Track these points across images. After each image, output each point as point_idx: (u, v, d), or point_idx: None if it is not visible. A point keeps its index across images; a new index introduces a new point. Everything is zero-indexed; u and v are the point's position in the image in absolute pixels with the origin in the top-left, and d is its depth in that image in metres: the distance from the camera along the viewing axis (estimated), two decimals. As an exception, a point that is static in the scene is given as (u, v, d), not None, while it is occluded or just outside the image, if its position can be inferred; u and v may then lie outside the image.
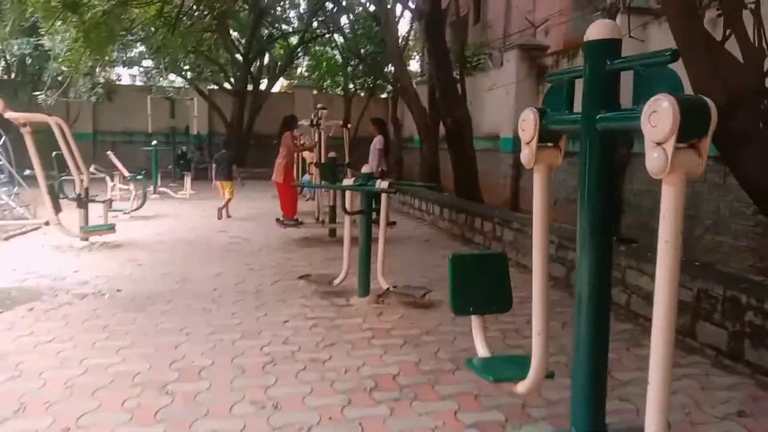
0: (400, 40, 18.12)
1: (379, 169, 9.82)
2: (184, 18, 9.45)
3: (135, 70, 22.20)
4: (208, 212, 13.15)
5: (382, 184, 5.72)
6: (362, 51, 23.75)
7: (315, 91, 26.90)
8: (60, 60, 7.97)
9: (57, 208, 7.89)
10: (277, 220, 9.79)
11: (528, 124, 2.42)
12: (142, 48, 19.79)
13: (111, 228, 8.70)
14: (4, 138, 12.60)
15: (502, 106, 14.31)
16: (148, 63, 21.37)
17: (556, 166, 2.58)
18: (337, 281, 6.17)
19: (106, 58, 8.82)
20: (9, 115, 6.59)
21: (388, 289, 5.80)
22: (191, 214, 12.70)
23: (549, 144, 2.56)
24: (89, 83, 16.32)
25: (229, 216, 12.03)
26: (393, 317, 5.40)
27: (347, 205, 6.03)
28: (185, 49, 15.84)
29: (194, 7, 9.46)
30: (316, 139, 10.14)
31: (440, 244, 9.34)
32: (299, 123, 11.23)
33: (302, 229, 9.66)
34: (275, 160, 9.95)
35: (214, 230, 10.65)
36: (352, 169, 9.84)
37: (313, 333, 4.95)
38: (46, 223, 7.82)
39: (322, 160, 10.20)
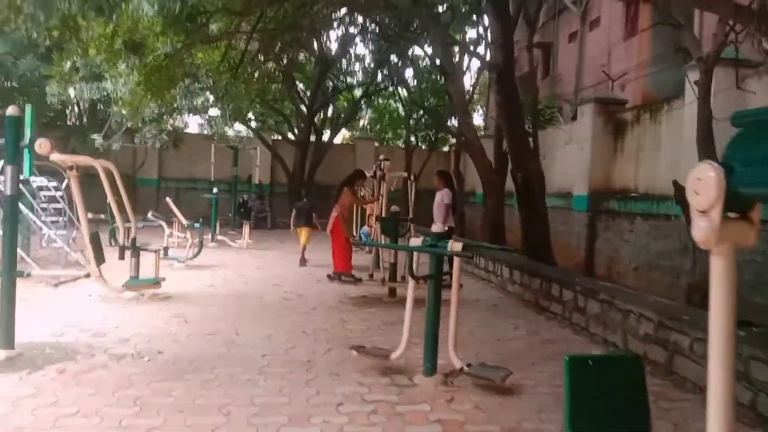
0: (465, 93, 17.64)
1: (446, 226, 9.11)
2: (248, 65, 9.28)
3: (201, 118, 22.60)
4: (263, 262, 12.72)
5: (456, 245, 5.01)
6: (425, 104, 23.48)
7: (376, 143, 26.72)
8: (120, 103, 7.82)
9: (99, 259, 7.51)
10: (329, 276, 9.16)
11: (707, 185, 1.67)
12: (209, 96, 20.10)
13: (156, 283, 8.25)
14: (66, 180, 12.64)
15: (576, 161, 13.46)
16: (214, 112, 21.71)
17: (744, 246, 1.80)
18: (396, 354, 5.40)
19: (169, 103, 8.69)
20: (55, 157, 6.29)
21: (461, 369, 5.00)
22: (247, 265, 12.27)
23: (736, 214, 1.79)
24: (154, 129, 16.51)
25: (305, 262, 11.73)
26: (466, 405, 4.58)
27: (414, 267, 5.34)
28: (249, 96, 15.88)
29: (259, 53, 9.29)
30: (379, 192, 9.57)
31: (511, 312, 8.46)
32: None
33: (359, 287, 8.99)
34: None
35: (268, 283, 10.13)
36: (415, 224, 9.19)
37: (372, 422, 4.19)
38: (87, 275, 7.44)
39: (383, 214, 9.62)
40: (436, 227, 5.35)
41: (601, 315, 6.84)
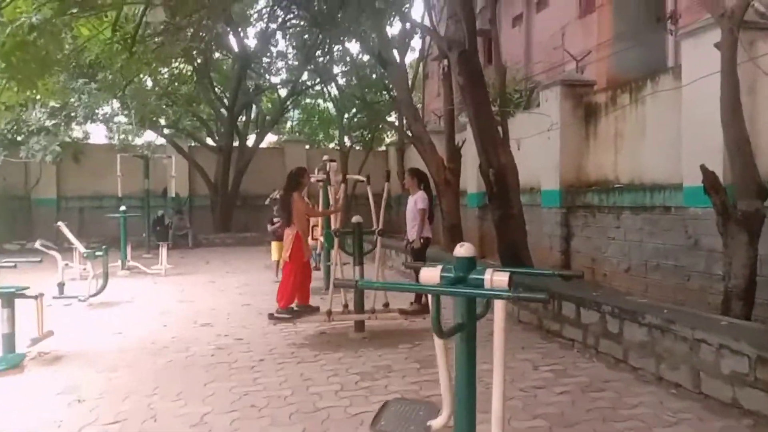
0: (408, 84, 15.94)
1: (422, 237, 7.29)
2: (150, 40, 7.11)
3: (106, 126, 19.77)
4: (187, 293, 10.46)
5: (498, 278, 3.15)
6: (358, 100, 21.67)
7: (307, 146, 24.65)
8: None
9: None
10: (270, 315, 7.05)
11: None
12: (113, 102, 17.44)
13: (15, 366, 5.82)
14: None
15: (542, 152, 11.98)
16: (120, 119, 18.97)
17: None
18: (439, 424, 3.44)
19: (56, 105, 6.43)
20: None
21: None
22: (167, 298, 9.98)
23: None
24: (44, 140, 13.78)
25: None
26: None
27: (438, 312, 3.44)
28: (155, 93, 13.59)
29: (167, 24, 7.14)
30: (336, 199, 7.62)
31: (513, 340, 6.73)
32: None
33: (312, 320, 7.00)
34: (283, 231, 7.31)
35: (195, 322, 7.97)
36: (384, 237, 7.29)
37: None
38: None
39: (334, 225, 7.69)
40: (465, 250, 3.45)
41: (650, 344, 5.20)
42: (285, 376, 5.47)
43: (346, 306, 7.07)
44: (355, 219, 7.00)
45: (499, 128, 9.98)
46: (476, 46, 9.74)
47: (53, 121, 16.58)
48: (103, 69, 10.33)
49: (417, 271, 3.46)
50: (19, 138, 15.86)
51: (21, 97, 5.76)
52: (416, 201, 7.39)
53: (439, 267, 3.39)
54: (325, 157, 9.54)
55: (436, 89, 23.96)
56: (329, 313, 6.84)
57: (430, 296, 3.17)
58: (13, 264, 6.30)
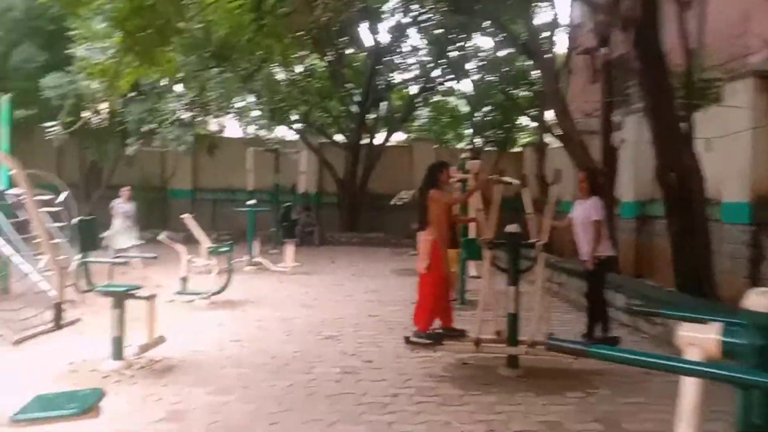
0: (556, 76, 14.34)
1: (600, 255, 5.88)
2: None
3: (239, 120, 19.90)
4: (312, 295, 9.70)
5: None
6: (495, 94, 20.26)
7: (435, 145, 23.56)
8: (89, 72, 5.06)
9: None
10: (407, 339, 5.96)
11: None
12: (249, 96, 17.34)
13: (88, 409, 4.99)
14: (66, 193, 9.91)
15: (724, 156, 9.97)
16: (253, 112, 18.94)
17: None
18: None
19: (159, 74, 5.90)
20: None
21: None
22: (291, 300, 9.26)
23: None
24: (177, 130, 13.78)
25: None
26: None
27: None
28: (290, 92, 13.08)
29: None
30: (486, 202, 6.35)
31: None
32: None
33: (455, 347, 5.82)
34: (420, 235, 6.18)
35: (319, 333, 7.09)
36: (549, 252, 5.94)
37: None
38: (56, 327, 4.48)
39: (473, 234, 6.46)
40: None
41: None
42: (426, 424, 4.34)
43: (498, 333, 5.82)
44: (511, 228, 5.72)
45: (683, 125, 8.27)
46: (656, 22, 8.09)
47: (189, 114, 16.76)
48: (235, 51, 9.90)
49: (647, 314, 2.19)
50: (155, 127, 16.11)
51: (141, 72, 5.13)
52: (589, 209, 5.97)
53: (716, 325, 2.05)
54: (465, 155, 8.35)
55: (581, 86, 21.92)
56: (478, 342, 5.63)
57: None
58: (124, 261, 5.72)
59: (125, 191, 11.41)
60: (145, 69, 5.23)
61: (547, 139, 18.76)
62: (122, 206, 11.21)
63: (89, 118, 14.84)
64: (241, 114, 16.48)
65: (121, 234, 10.81)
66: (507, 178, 6.72)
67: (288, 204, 17.58)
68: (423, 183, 6.21)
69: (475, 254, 8.31)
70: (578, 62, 22.54)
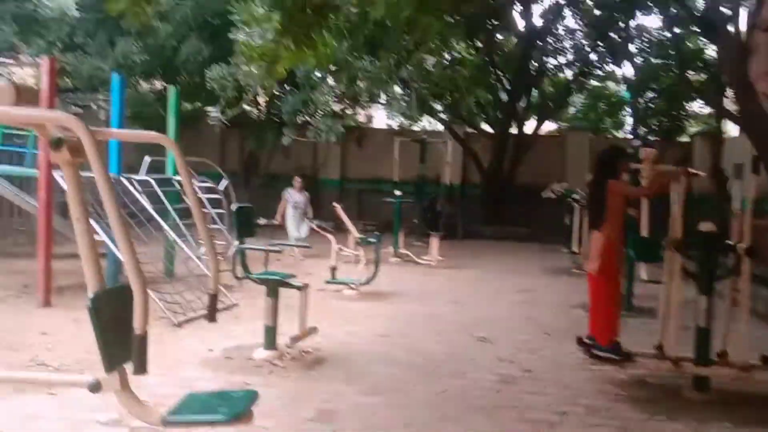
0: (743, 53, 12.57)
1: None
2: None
3: (387, 109, 19.93)
4: (459, 291, 9.26)
5: None
6: (659, 83, 18.47)
7: (591, 134, 22.03)
8: (249, 58, 5.07)
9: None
10: (581, 341, 5.35)
11: None
12: (396, 84, 17.23)
13: (241, 415, 4.83)
14: (225, 181, 10.34)
15: None
16: (401, 102, 18.84)
17: None
18: None
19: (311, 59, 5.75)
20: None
21: None
22: (438, 295, 8.89)
23: None
24: (329, 120, 13.98)
25: None
26: None
27: None
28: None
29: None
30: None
31: None
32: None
33: (649, 365, 5.08)
34: (591, 235, 5.49)
35: (471, 333, 6.64)
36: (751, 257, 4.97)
37: None
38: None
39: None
40: None
41: None
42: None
43: (660, 348, 4.98)
44: (706, 226, 4.86)
45: None
46: None
47: (341, 106, 17.03)
48: (388, 35, 9.67)
49: None
50: (308, 119, 16.54)
51: (298, 58, 4.99)
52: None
53: None
54: (636, 143, 7.43)
55: (764, 68, 19.27)
56: (677, 361, 4.84)
57: None
58: (279, 249, 5.65)
59: (298, 181, 11.60)
60: (302, 53, 5.09)
61: (725, 127, 16.77)
62: (294, 195, 11.38)
63: (248, 109, 15.62)
64: (390, 104, 16.41)
65: (294, 224, 11.03)
66: (693, 170, 5.82)
67: (432, 195, 17.30)
68: (598, 172, 5.54)
69: (647, 255, 7.39)
70: (761, 40, 19.87)
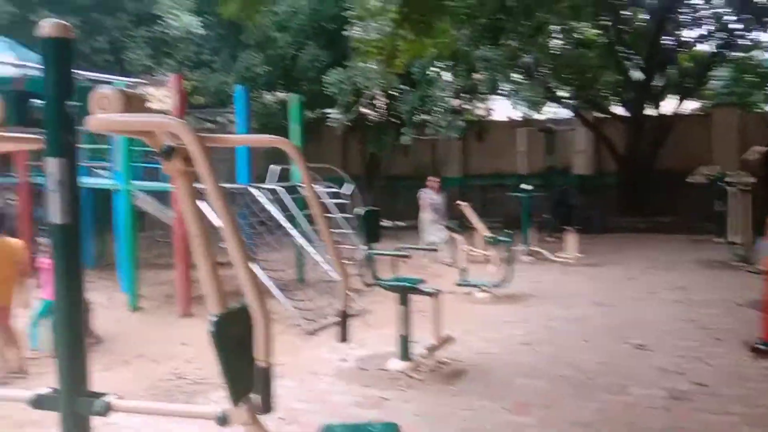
0: None
1: None
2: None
3: (510, 99, 19.13)
4: (602, 291, 8.43)
5: None
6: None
7: (739, 110, 19.78)
8: (365, 52, 4.79)
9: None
10: (755, 348, 4.52)
11: None
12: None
13: None
14: (351, 185, 10.24)
15: None
16: (523, 92, 17.97)
17: None
18: None
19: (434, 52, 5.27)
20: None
21: None
22: (579, 296, 8.14)
23: None
24: (449, 116, 13.51)
25: None
26: None
27: None
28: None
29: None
30: None
31: None
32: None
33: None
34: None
35: (623, 338, 5.92)
36: None
37: None
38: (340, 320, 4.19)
39: None
40: None
41: None
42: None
43: None
44: None
45: None
46: None
47: (458, 100, 16.55)
48: (509, 19, 9.07)
49: None
50: (426, 117, 16.23)
51: (416, 49, 4.64)
52: None
53: None
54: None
55: None
56: None
57: None
58: (407, 254, 5.32)
59: (434, 181, 11.02)
60: (420, 44, 4.73)
61: None
62: (431, 197, 10.79)
63: (366, 112, 15.60)
64: (511, 93, 15.66)
65: (432, 227, 10.43)
66: None
67: (563, 187, 16.31)
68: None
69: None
70: None
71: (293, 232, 7.90)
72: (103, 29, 13.24)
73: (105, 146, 9.14)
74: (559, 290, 8.64)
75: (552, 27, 10.02)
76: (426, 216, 10.55)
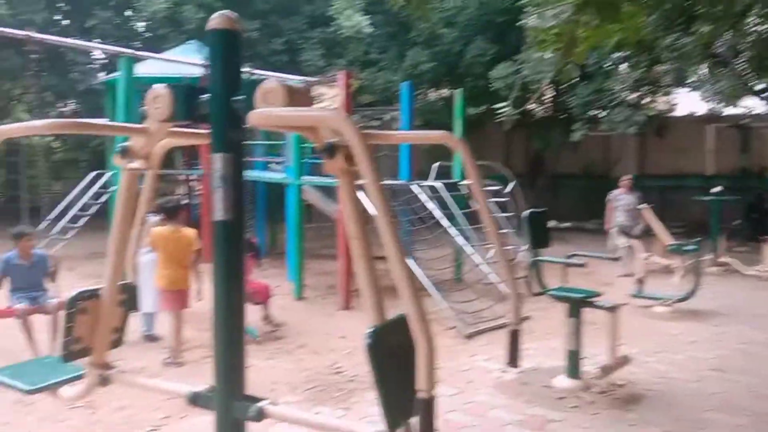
0: None
1: None
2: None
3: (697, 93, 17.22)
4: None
5: None
6: None
7: None
8: (540, 40, 4.38)
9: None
10: None
11: None
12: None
13: None
14: (513, 183, 9.79)
15: None
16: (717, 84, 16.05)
17: None
18: None
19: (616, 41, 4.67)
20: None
21: None
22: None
23: None
24: (627, 110, 12.37)
25: None
26: None
27: None
28: None
29: None
30: None
31: None
32: None
33: None
34: None
35: None
36: None
37: None
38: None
39: None
40: None
41: None
42: None
43: None
44: None
45: None
46: None
47: (636, 94, 15.21)
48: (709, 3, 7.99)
49: None
50: (601, 111, 15.12)
51: (600, 35, 4.15)
52: None
53: None
54: None
55: None
56: None
57: None
58: (582, 263, 4.83)
59: (625, 180, 10.24)
60: (605, 31, 4.24)
61: None
62: (622, 197, 9.99)
63: (532, 107, 14.89)
64: (701, 85, 14.05)
65: (623, 231, 9.62)
66: None
67: (759, 191, 14.37)
68: None
69: None
70: None
71: (452, 230, 7.69)
72: (280, 32, 14.03)
73: (280, 142, 9.64)
74: (754, 309, 7.52)
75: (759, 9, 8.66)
76: (617, 218, 9.64)
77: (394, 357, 1.82)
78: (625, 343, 5.15)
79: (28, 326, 5.09)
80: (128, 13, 14.61)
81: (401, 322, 1.82)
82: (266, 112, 1.71)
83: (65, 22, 15.33)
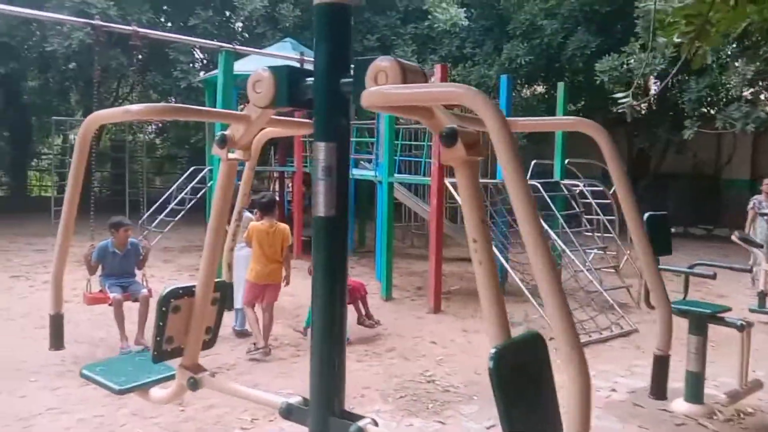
0: None
1: None
2: None
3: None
4: None
5: None
6: None
7: None
8: (667, 27, 3.86)
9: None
10: None
11: None
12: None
13: None
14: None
15: None
16: None
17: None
18: None
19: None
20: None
21: None
22: None
23: None
24: (745, 107, 11.24)
25: None
26: None
27: None
28: None
29: None
30: None
31: None
32: None
33: None
34: None
35: None
36: None
37: None
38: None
39: None
40: None
41: None
42: None
43: None
44: None
45: None
46: None
47: (753, 89, 13.92)
48: None
49: None
50: (712, 111, 13.97)
51: (737, 16, 3.64)
52: None
53: None
54: None
55: None
56: None
57: None
58: (712, 274, 4.28)
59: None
60: (741, 12, 3.72)
61: None
62: (761, 203, 9.14)
63: (635, 102, 13.93)
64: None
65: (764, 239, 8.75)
66: None
67: None
68: None
69: None
70: None
71: (551, 233, 7.24)
72: (373, 28, 13.92)
73: (370, 139, 9.50)
74: None
75: None
76: (759, 226, 8.80)
77: (522, 382, 1.54)
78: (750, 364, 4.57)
79: (121, 315, 5.19)
80: (227, 13, 15.01)
81: (532, 341, 1.55)
82: (383, 89, 1.48)
83: (168, 24, 15.99)
